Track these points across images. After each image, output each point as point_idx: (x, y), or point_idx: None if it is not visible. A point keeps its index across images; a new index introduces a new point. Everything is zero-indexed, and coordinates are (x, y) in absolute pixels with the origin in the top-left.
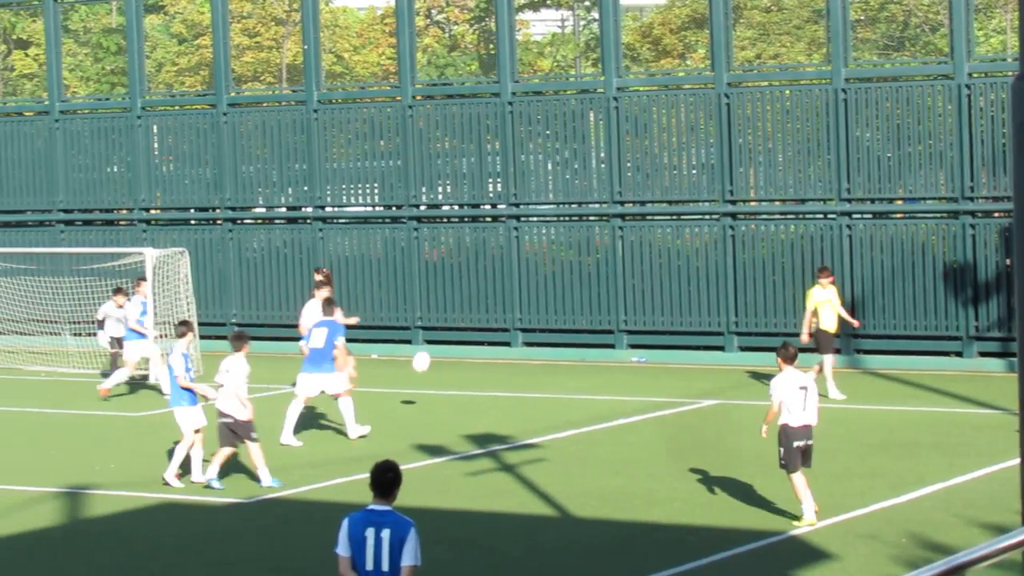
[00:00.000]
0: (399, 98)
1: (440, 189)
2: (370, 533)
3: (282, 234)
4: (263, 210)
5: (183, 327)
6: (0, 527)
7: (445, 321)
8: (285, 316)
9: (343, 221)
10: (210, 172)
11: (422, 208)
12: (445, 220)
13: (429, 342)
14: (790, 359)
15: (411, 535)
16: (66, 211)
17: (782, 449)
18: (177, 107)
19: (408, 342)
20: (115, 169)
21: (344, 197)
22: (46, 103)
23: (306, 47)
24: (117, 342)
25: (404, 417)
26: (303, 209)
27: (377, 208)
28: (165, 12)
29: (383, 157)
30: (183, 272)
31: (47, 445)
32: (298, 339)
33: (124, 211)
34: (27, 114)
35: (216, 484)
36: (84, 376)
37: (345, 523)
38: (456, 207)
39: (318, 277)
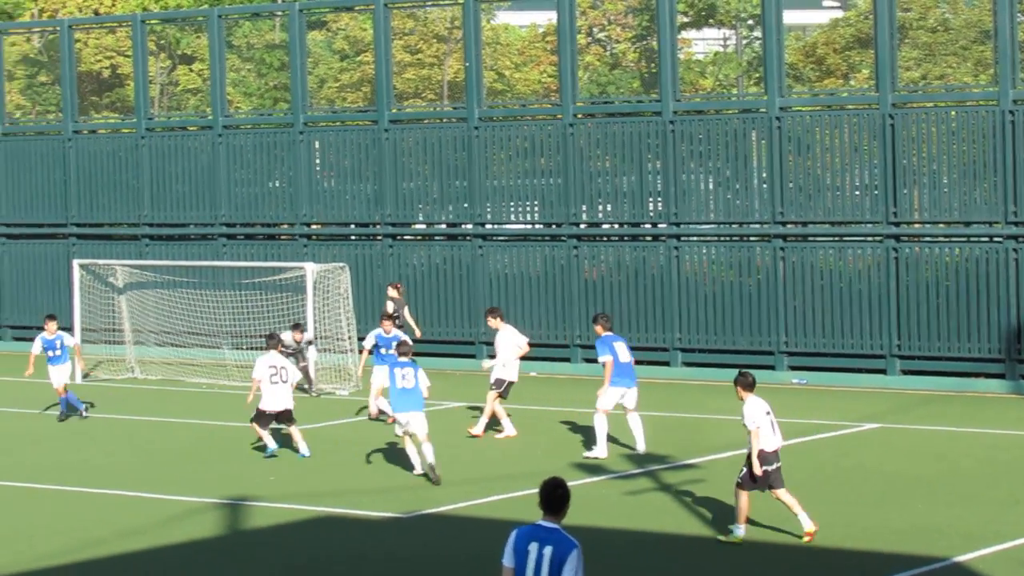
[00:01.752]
0: (560, 116)
1: (600, 207)
2: (533, 548)
3: (442, 251)
4: (423, 226)
5: (406, 347)
6: (162, 537)
7: None
8: (444, 332)
9: (503, 238)
10: (371, 188)
11: (582, 226)
12: (605, 239)
13: (587, 360)
14: (750, 387)
15: (572, 556)
16: (228, 225)
17: (745, 469)
18: (339, 123)
19: (567, 360)
20: (277, 184)
21: (504, 214)
22: (210, 118)
23: (468, 64)
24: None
25: (563, 435)
26: (463, 226)
27: (537, 226)
28: (328, 28)
29: (543, 175)
30: (343, 287)
31: (208, 457)
32: (460, 356)
33: (285, 226)
34: (191, 128)
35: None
36: (243, 389)
37: (513, 535)
38: (616, 226)
39: (393, 292)
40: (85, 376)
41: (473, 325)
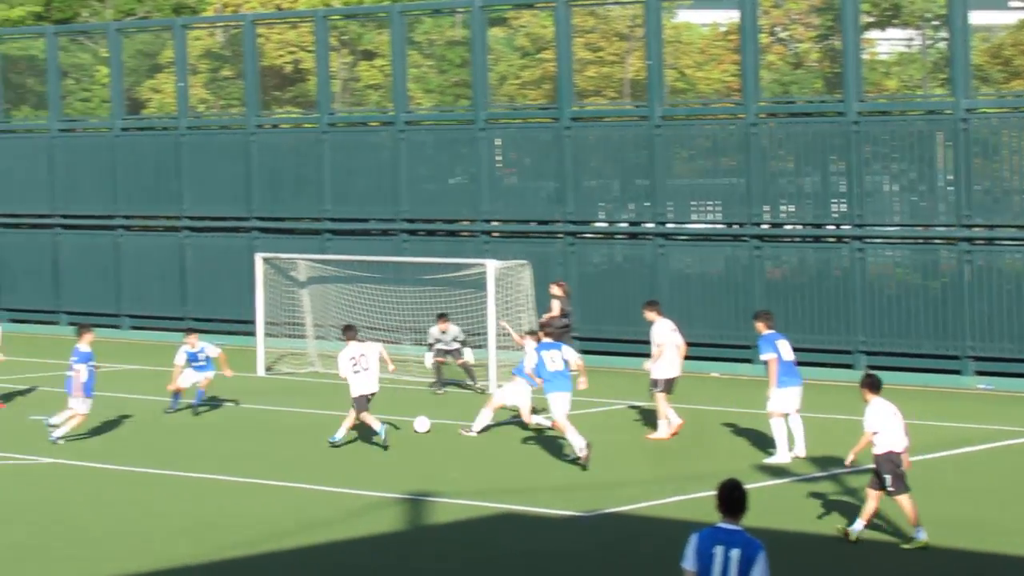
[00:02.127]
0: (742, 115)
1: (783, 208)
2: (718, 551)
3: (622, 249)
4: (604, 224)
5: (550, 327)
6: (346, 531)
7: None
8: (625, 331)
9: (684, 238)
10: (552, 185)
11: (764, 227)
12: (787, 240)
13: None
14: (876, 389)
15: (760, 557)
16: (409, 221)
17: (889, 476)
18: (519, 120)
19: (748, 361)
20: (458, 180)
21: (685, 214)
22: (391, 114)
23: (649, 63)
24: (442, 353)
25: (744, 437)
26: (644, 225)
27: (718, 226)
28: (509, 25)
29: (725, 174)
30: (525, 284)
31: (389, 452)
32: (638, 355)
33: (466, 222)
34: (372, 124)
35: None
36: (422, 385)
37: (694, 538)
38: (799, 227)
39: (558, 291)
40: (268, 369)
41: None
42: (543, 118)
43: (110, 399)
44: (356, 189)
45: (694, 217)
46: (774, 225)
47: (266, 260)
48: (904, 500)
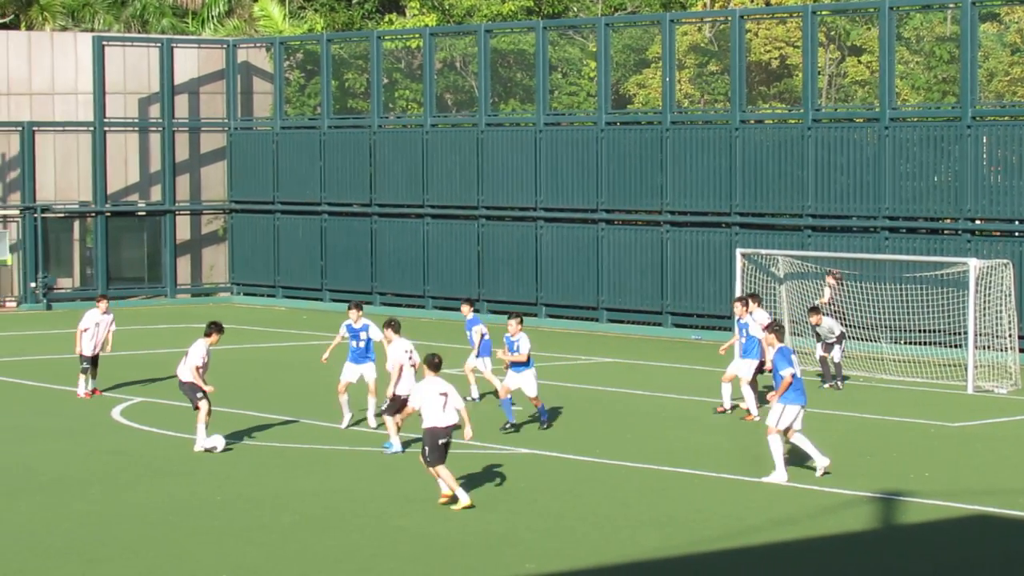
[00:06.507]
0: None
1: None
2: None
3: None
4: None
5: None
6: (815, 528)
7: None
8: None
9: None
10: None
11: None
12: None
13: None
14: (434, 367)
15: None
16: (891, 218)
17: (427, 448)
18: (1007, 118)
19: None
20: (942, 178)
21: None
22: (876, 110)
23: None
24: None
25: None
26: None
27: None
28: (1000, 21)
29: None
30: (1006, 284)
31: (863, 448)
32: None
33: (948, 220)
34: (857, 120)
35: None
36: (899, 383)
37: None
38: None
39: (831, 281)
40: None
41: None
42: None
43: (583, 391)
44: (838, 186)
45: None
46: None
47: (746, 255)
48: (441, 471)
